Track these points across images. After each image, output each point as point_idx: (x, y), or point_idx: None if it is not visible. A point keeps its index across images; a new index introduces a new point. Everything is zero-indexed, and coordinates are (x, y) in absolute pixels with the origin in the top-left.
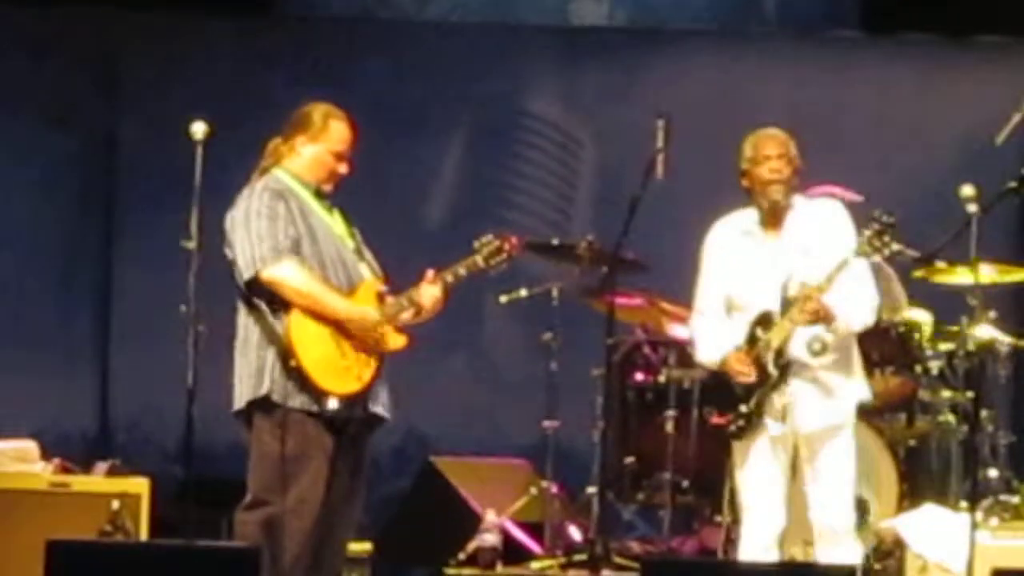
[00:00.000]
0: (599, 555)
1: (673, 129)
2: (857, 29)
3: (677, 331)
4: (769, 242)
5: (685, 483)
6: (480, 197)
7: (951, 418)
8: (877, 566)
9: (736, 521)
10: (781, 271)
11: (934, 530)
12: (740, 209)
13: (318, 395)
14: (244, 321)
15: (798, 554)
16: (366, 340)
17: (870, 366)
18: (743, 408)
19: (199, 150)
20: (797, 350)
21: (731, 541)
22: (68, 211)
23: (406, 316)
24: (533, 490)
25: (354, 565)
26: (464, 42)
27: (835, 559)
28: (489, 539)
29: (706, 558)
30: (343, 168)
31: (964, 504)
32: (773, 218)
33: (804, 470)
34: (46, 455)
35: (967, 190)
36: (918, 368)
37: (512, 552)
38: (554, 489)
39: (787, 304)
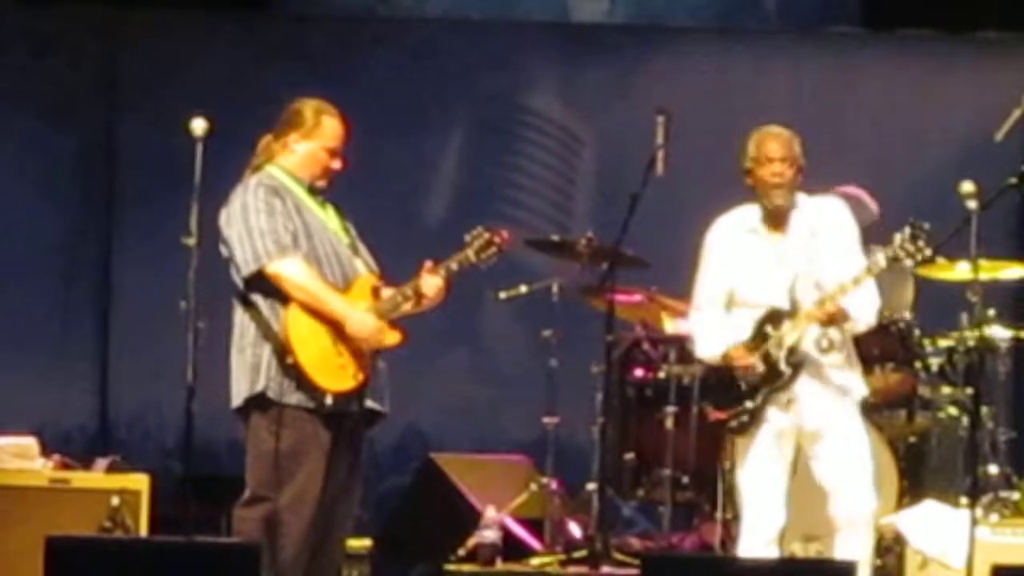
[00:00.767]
0: (599, 551)
1: (673, 126)
2: (857, 26)
3: (679, 326)
4: (774, 240)
5: (685, 479)
6: (480, 194)
7: (951, 414)
8: (877, 562)
9: (735, 517)
10: (787, 270)
11: (934, 526)
12: (742, 205)
13: (315, 392)
14: (240, 318)
15: (798, 550)
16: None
17: (870, 362)
18: (748, 404)
19: (199, 147)
20: (806, 347)
21: (730, 537)
22: (68, 208)
23: (406, 308)
24: (533, 486)
25: (354, 561)
26: (464, 39)
27: (856, 548)
28: (489, 535)
29: (706, 554)
30: (336, 164)
31: (964, 500)
32: (777, 217)
33: (815, 466)
34: (46, 451)
35: (967, 186)
36: (918, 364)
37: (512, 548)
38: (554, 485)
39: (795, 303)
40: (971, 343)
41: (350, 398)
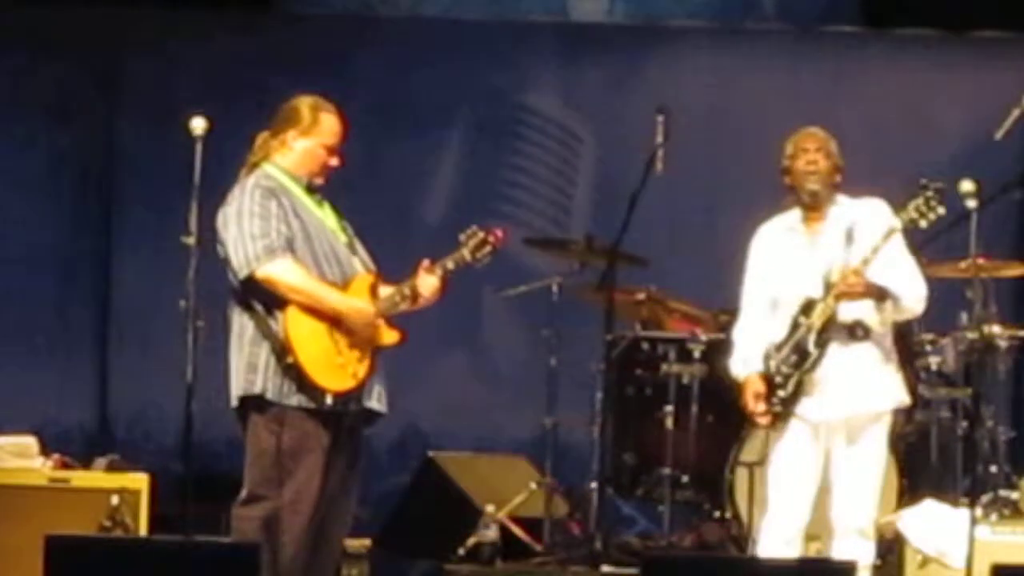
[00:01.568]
0: (598, 550)
1: (673, 124)
2: (856, 25)
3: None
4: (811, 233)
5: (684, 478)
6: (479, 193)
7: (951, 413)
8: (877, 562)
9: (736, 516)
10: (822, 261)
11: (934, 525)
12: (783, 212)
13: (314, 391)
14: (238, 318)
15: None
16: (361, 335)
17: None
18: (780, 393)
19: (198, 146)
20: (837, 336)
21: (731, 536)
22: (67, 207)
23: (404, 307)
24: (533, 485)
25: (354, 561)
26: (463, 38)
27: (853, 553)
28: (489, 535)
29: (706, 553)
30: (334, 161)
31: (964, 499)
32: (815, 213)
33: (832, 462)
34: (45, 450)
35: (966, 185)
36: (917, 363)
37: (512, 548)
38: (554, 484)
39: (829, 288)
40: (971, 342)
41: (349, 398)
